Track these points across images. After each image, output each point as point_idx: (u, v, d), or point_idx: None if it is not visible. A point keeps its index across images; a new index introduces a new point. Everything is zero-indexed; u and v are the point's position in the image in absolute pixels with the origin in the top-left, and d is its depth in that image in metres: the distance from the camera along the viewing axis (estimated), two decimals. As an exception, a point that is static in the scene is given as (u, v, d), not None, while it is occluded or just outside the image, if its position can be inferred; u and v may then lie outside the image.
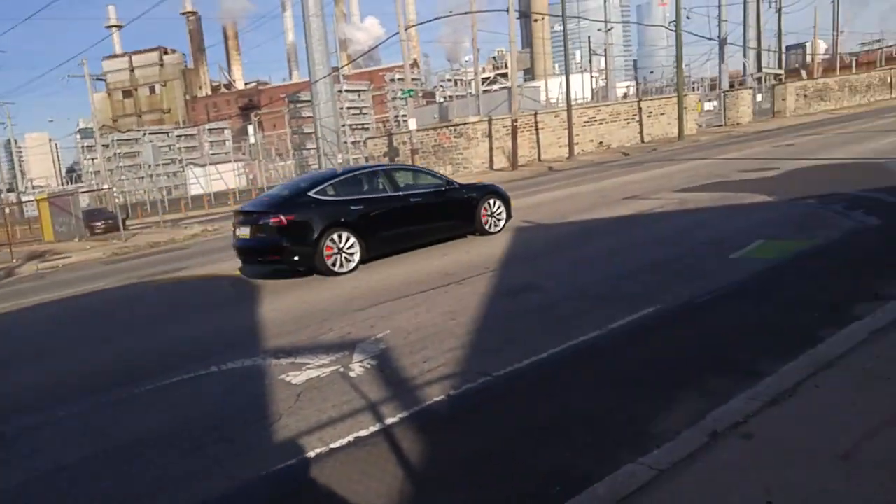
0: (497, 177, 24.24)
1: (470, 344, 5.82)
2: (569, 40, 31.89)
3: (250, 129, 29.75)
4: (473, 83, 36.86)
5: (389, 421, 4.51)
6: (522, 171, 25.46)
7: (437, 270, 8.90)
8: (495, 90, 46.27)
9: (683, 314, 6.11)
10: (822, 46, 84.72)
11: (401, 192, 10.57)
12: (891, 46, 71.66)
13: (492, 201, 11.60)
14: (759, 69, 49.86)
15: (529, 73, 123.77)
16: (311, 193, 9.80)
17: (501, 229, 11.69)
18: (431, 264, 9.34)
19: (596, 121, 35.61)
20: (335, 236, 9.57)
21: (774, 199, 11.71)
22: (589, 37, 74.39)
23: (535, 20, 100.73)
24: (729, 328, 5.66)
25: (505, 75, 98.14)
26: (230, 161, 32.86)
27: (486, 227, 11.48)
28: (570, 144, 31.21)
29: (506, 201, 11.86)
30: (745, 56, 51.81)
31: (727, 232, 9.49)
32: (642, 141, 37.58)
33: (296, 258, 9.54)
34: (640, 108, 37.44)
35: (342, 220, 9.66)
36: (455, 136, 26.28)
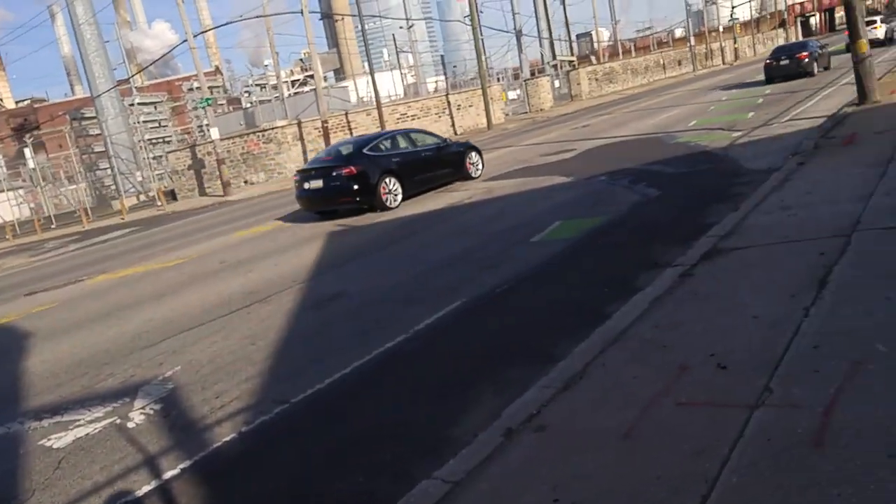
0: (313, 180, 23.57)
1: (269, 370, 5.36)
2: (374, 38, 31.75)
3: (27, 152, 26.39)
4: (278, 87, 35.53)
5: (169, 475, 3.96)
6: (339, 172, 25.02)
7: (241, 290, 8.25)
8: (307, 91, 45.22)
9: (486, 305, 6.11)
10: (606, 34, 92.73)
11: (419, 148, 14.07)
12: (659, 32, 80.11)
13: (472, 154, 15.09)
14: (554, 57, 53.28)
15: (340, 73, 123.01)
16: (364, 151, 12.97)
17: (480, 175, 15.01)
18: (232, 284, 8.67)
19: (408, 116, 35.94)
20: (386, 180, 12.73)
21: (572, 179, 12.35)
22: (393, 35, 75.17)
23: (336, 20, 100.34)
24: (528, 314, 5.72)
25: (312, 76, 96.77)
26: (3, 190, 28.92)
27: (470, 173, 14.82)
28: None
29: (480, 154, 15.42)
30: (541, 45, 55.23)
31: (529, 216, 9.80)
32: (455, 133, 38.58)
33: (359, 198, 12.48)
34: (448, 102, 38.38)
35: (390, 168, 12.89)
36: (265, 142, 25.17)
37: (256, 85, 49.49)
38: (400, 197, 12.94)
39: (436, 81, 79.84)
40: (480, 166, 15.19)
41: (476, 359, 4.96)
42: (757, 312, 4.36)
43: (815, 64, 25.67)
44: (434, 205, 12.38)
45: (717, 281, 5.22)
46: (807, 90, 20.12)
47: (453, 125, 38.62)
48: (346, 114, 29.93)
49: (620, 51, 65.21)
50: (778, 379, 3.47)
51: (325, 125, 25.01)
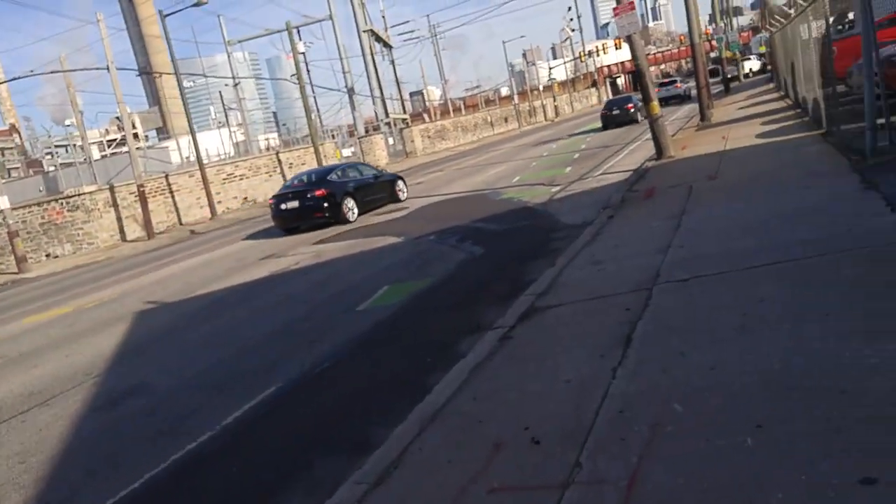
0: (131, 249, 21.70)
1: (37, 496, 4.50)
2: (200, 96, 30.42)
3: None
4: (85, 148, 32.80)
5: None
6: (161, 238, 23.26)
7: (19, 392, 7.09)
8: (124, 152, 42.16)
9: (304, 388, 5.65)
10: (437, 92, 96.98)
11: (364, 177, 18.02)
12: (486, 91, 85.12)
13: (399, 182, 19.12)
14: (387, 115, 54.46)
15: (163, 132, 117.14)
16: (328, 178, 16.83)
17: (405, 198, 18.69)
18: (9, 385, 7.44)
19: (236, 177, 34.67)
20: (346, 201, 16.40)
21: (402, 239, 12.29)
22: (220, 92, 73.17)
23: (156, 77, 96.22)
24: (348, 395, 5.35)
25: (136, 135, 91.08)
26: None
27: (399, 197, 18.65)
28: (211, 204, 29.79)
29: (405, 182, 19.54)
30: (374, 104, 56.28)
31: (357, 281, 9.50)
32: (291, 192, 37.81)
33: (328, 214, 16.11)
34: (279, 161, 37.61)
35: (347, 191, 16.68)
36: (70, 210, 22.83)
37: (59, 146, 45.33)
38: (356, 213, 16.60)
39: (267, 139, 78.52)
40: (405, 192, 19.08)
41: (288, 454, 4.49)
42: (569, 376, 4.34)
43: (639, 113, 29.92)
44: (259, 272, 11.71)
45: (533, 343, 5.21)
46: (616, 145, 21.97)
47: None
48: (167, 176, 28.21)
49: (451, 109, 68.22)
50: (587, 452, 3.39)
51: (142, 189, 23.29)
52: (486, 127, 60.84)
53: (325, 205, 15.99)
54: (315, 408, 5.22)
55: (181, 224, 27.68)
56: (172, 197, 27.91)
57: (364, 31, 53.82)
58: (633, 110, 30.73)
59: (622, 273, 6.35)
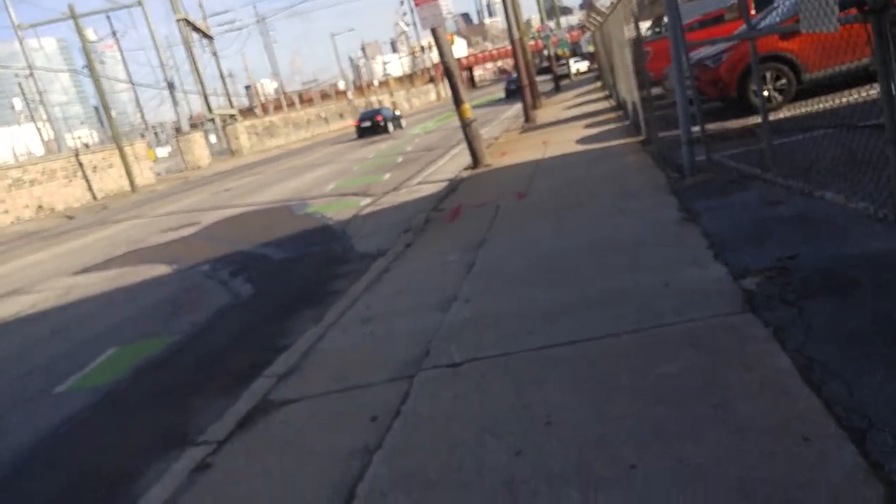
0: None
1: None
2: (5, 85, 25.35)
3: None
4: None
5: None
6: None
7: None
8: None
9: None
10: (272, 86, 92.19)
11: (395, 114, 39.73)
12: (321, 85, 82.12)
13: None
14: (210, 110, 50.22)
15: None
16: (381, 110, 38.64)
17: None
18: None
19: (25, 182, 29.76)
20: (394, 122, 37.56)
21: (172, 270, 10.01)
22: (20, 83, 64.16)
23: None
24: None
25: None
26: None
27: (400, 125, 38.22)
28: (-15, 216, 25.14)
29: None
30: (203, 99, 51.67)
31: (85, 338, 7.21)
32: (94, 198, 33.20)
33: (387, 131, 36.22)
34: (80, 163, 32.86)
35: (394, 117, 38.97)
36: None
37: None
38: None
39: (79, 137, 70.46)
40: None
41: None
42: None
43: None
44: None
45: (237, 480, 3.43)
46: (441, 147, 20.77)
47: (90, 188, 33.15)
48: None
49: (284, 104, 64.76)
50: None
51: None
52: (321, 123, 58.21)
53: (384, 125, 35.53)
54: None
55: (-66, 243, 22.89)
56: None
57: (178, 20, 49.14)
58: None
59: (390, 342, 4.74)
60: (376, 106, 71.27)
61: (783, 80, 10.93)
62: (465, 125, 12.50)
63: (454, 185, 11.38)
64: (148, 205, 22.66)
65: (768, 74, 10.99)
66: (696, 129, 7.34)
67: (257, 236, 11.26)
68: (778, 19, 10.57)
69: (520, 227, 7.09)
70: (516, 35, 19.22)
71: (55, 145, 60.76)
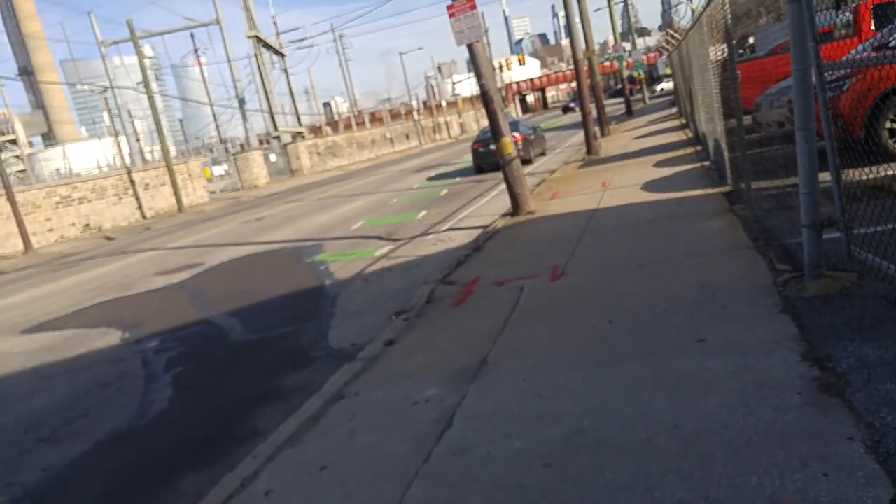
0: None
1: None
2: (97, 100, 24.85)
3: None
4: None
5: None
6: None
7: None
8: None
9: None
10: (346, 104, 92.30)
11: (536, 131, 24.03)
12: (394, 104, 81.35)
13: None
14: (276, 128, 49.66)
15: (51, 138, 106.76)
16: (520, 125, 22.09)
17: None
18: None
19: (74, 200, 29.23)
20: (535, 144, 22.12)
21: (121, 341, 8.05)
22: (105, 98, 65.85)
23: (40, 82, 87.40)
24: None
25: (14, 141, 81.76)
26: None
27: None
28: (24, 235, 24.45)
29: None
30: (271, 116, 51.31)
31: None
32: (143, 217, 32.53)
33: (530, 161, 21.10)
34: (132, 181, 32.27)
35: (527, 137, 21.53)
36: None
37: None
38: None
39: (152, 150, 72.02)
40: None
41: None
42: None
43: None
44: None
45: None
46: (492, 180, 18.42)
47: (140, 207, 32.48)
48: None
49: (353, 122, 64.03)
50: None
51: None
52: (386, 143, 56.89)
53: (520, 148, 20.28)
54: None
55: (-30, 263, 22.22)
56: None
57: (249, 37, 48.95)
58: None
59: None
60: (443, 125, 69.48)
61: (930, 120, 8.14)
62: (506, 163, 10.14)
63: (481, 241, 9.00)
64: (176, 233, 21.23)
65: (910, 111, 8.21)
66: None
67: (240, 296, 9.22)
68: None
69: (537, 349, 4.62)
70: (580, 54, 16.70)
71: (137, 160, 61.94)
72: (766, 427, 2.93)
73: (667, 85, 53.68)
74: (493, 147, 24.78)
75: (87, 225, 29.72)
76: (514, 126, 26.03)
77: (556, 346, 4.53)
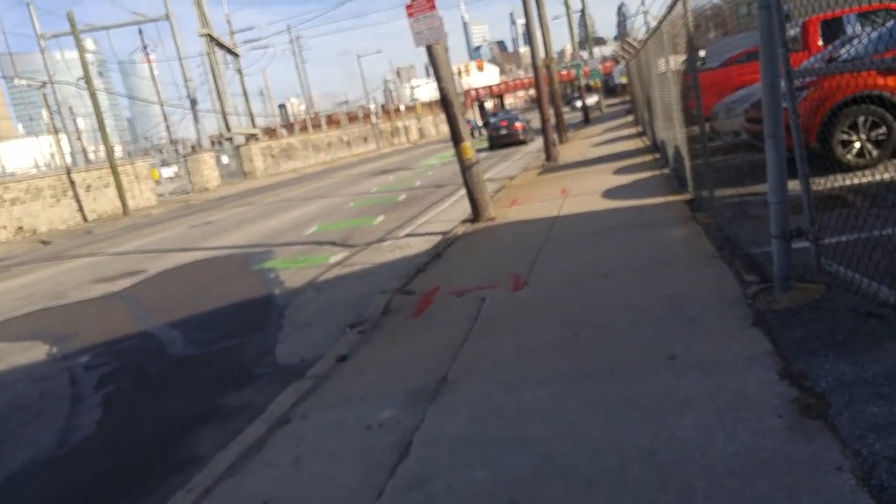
0: None
1: None
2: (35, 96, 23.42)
3: None
4: None
5: None
6: None
7: None
8: None
9: None
10: (303, 106, 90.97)
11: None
12: (352, 107, 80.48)
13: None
14: (228, 129, 48.49)
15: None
16: (518, 117, 31.79)
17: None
18: None
19: (6, 201, 27.75)
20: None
21: (47, 356, 7.47)
22: (44, 94, 63.23)
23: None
24: None
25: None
26: None
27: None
28: (-48, 236, 23.18)
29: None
30: (224, 117, 50.04)
31: None
32: (85, 220, 31.17)
33: (525, 142, 29.99)
34: (71, 181, 30.85)
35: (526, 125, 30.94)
36: None
37: None
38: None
39: (96, 150, 69.61)
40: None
41: None
42: None
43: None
44: None
45: None
46: (451, 185, 18.17)
47: (81, 210, 31.04)
48: None
49: (310, 125, 62.99)
50: None
51: None
52: (342, 146, 56.18)
53: (520, 135, 29.83)
54: None
55: None
56: None
57: (201, 35, 47.72)
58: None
59: None
60: (402, 130, 69.17)
61: (881, 129, 8.21)
62: (466, 168, 9.88)
63: (441, 248, 8.72)
64: (119, 237, 20.33)
65: (861, 120, 8.27)
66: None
67: (182, 305, 8.72)
68: (878, 48, 7.80)
69: (500, 365, 4.34)
70: (539, 61, 16.61)
71: (80, 159, 59.67)
72: (746, 454, 2.72)
73: (590, 100, 53.55)
74: (504, 132, 30.78)
75: (21, 228, 28.27)
76: (515, 117, 32.74)
77: (519, 362, 4.26)
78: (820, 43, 12.62)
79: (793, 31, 12.62)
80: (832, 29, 12.69)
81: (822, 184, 4.52)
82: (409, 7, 8.92)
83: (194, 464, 4.03)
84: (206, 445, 4.30)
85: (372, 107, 77.36)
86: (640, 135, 20.15)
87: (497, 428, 3.40)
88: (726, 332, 3.95)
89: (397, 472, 3.21)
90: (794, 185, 4.15)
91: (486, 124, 36.40)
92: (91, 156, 64.14)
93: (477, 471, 3.04)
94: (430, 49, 9.21)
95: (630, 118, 29.03)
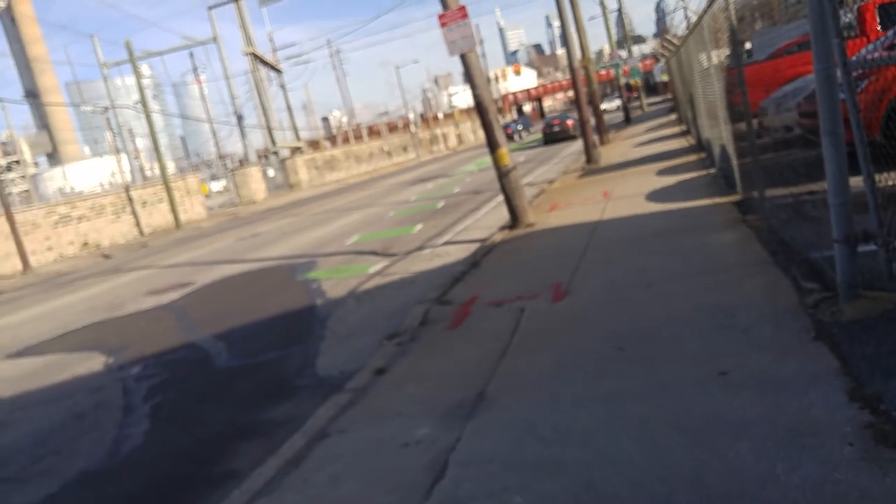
0: None
1: None
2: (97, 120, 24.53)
3: None
4: None
5: None
6: None
7: None
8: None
9: None
10: (345, 118, 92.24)
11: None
12: (392, 117, 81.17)
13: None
14: (274, 143, 49.40)
15: (56, 158, 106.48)
16: (568, 115, 34.75)
17: None
18: None
19: (73, 218, 28.88)
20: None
21: (103, 367, 7.65)
22: (107, 118, 65.63)
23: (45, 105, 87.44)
24: None
25: (19, 162, 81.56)
26: None
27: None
28: (22, 254, 24.13)
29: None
30: (268, 131, 51.05)
31: None
32: (141, 234, 32.17)
33: (575, 137, 28.94)
34: (130, 198, 31.90)
35: (575, 121, 26.13)
36: None
37: None
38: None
39: (152, 168, 71.86)
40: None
41: None
42: None
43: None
44: None
45: None
46: (489, 191, 18.04)
47: (138, 224, 32.11)
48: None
49: (352, 136, 63.81)
50: None
51: None
52: (383, 156, 56.62)
53: (571, 131, 31.55)
54: None
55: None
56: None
57: (246, 54, 48.80)
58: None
59: None
60: (440, 137, 69.41)
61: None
62: (503, 174, 9.76)
63: (479, 256, 8.61)
64: (171, 250, 20.86)
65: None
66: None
67: (228, 316, 8.83)
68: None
69: (539, 381, 4.20)
70: (576, 63, 16.36)
71: (138, 177, 61.61)
72: (813, 487, 2.50)
73: (609, 105, 53.08)
74: (556, 129, 34.57)
75: (86, 243, 29.35)
76: (566, 116, 35.90)
77: (559, 379, 4.11)
78: (878, 29, 12.06)
79: (847, 17, 12.06)
80: (891, 13, 12.11)
81: (889, 181, 4.23)
82: (441, 17, 8.86)
83: (233, 479, 4.00)
84: (246, 460, 4.28)
85: (411, 116, 77.86)
86: (683, 134, 19.66)
87: (535, 450, 3.26)
88: (784, 346, 3.72)
89: (433, 495, 3.10)
90: (854, 182, 3.90)
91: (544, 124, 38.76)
92: (148, 173, 66.23)
93: (514, 496, 2.91)
94: (464, 57, 9.14)
95: (673, 117, 28.40)
